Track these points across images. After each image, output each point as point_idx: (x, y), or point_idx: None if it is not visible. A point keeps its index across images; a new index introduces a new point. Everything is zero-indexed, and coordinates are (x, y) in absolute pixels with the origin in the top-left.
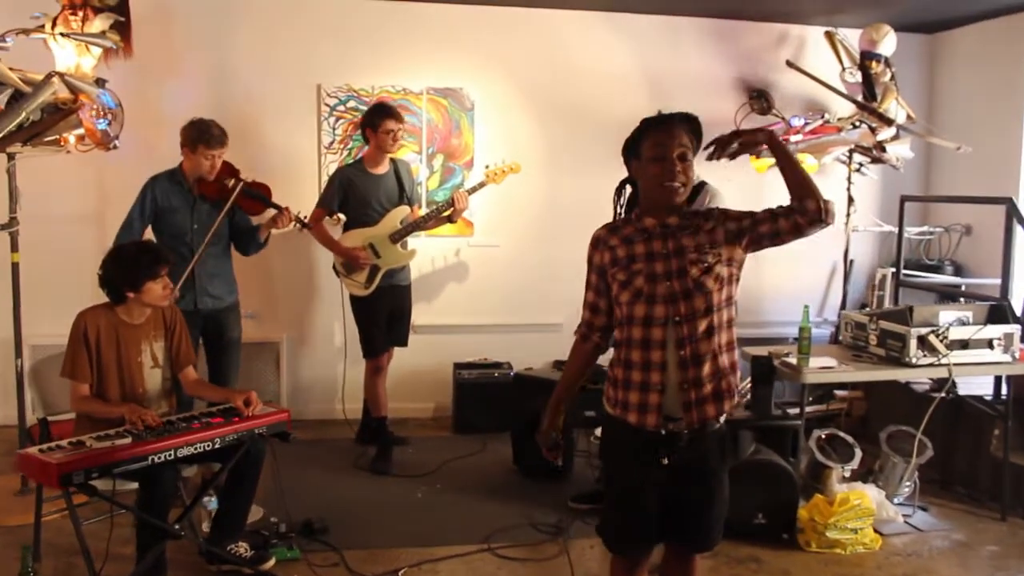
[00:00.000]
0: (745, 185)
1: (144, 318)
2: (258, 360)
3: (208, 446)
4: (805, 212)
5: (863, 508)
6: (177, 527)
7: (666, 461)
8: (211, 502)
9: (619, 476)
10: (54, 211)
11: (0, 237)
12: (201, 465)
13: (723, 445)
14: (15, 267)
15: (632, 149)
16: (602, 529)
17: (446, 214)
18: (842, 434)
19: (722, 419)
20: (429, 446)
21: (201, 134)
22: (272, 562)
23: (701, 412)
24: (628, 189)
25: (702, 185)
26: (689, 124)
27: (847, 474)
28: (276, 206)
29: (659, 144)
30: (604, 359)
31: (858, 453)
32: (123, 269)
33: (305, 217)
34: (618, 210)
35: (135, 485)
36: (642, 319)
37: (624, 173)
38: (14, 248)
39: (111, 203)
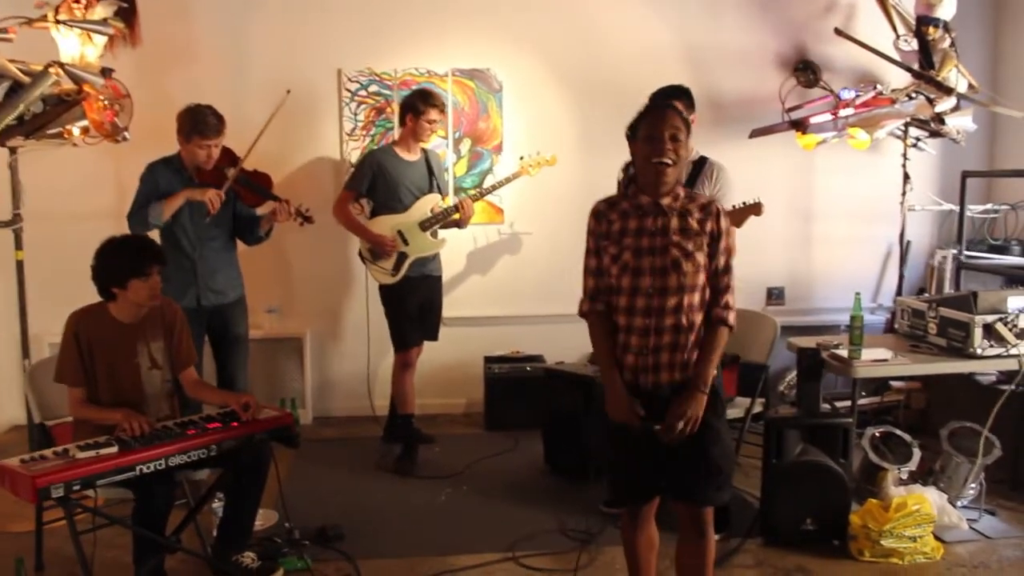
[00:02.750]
0: (794, 163)
1: (139, 318)
2: (280, 356)
3: (204, 453)
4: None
5: (922, 513)
6: (175, 538)
7: (642, 412)
8: (221, 508)
9: (613, 428)
10: (72, 207)
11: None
12: (213, 469)
13: (712, 395)
14: (20, 265)
15: (633, 132)
16: (608, 480)
17: (454, 218)
18: (899, 432)
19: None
20: (458, 444)
21: (196, 123)
22: (279, 573)
23: (656, 376)
24: (631, 169)
25: (703, 161)
26: (681, 104)
27: (904, 476)
28: (276, 198)
29: (652, 125)
30: None
31: (916, 453)
32: (109, 263)
33: (308, 211)
34: (621, 188)
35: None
36: (628, 289)
37: None
38: (18, 246)
39: (129, 197)
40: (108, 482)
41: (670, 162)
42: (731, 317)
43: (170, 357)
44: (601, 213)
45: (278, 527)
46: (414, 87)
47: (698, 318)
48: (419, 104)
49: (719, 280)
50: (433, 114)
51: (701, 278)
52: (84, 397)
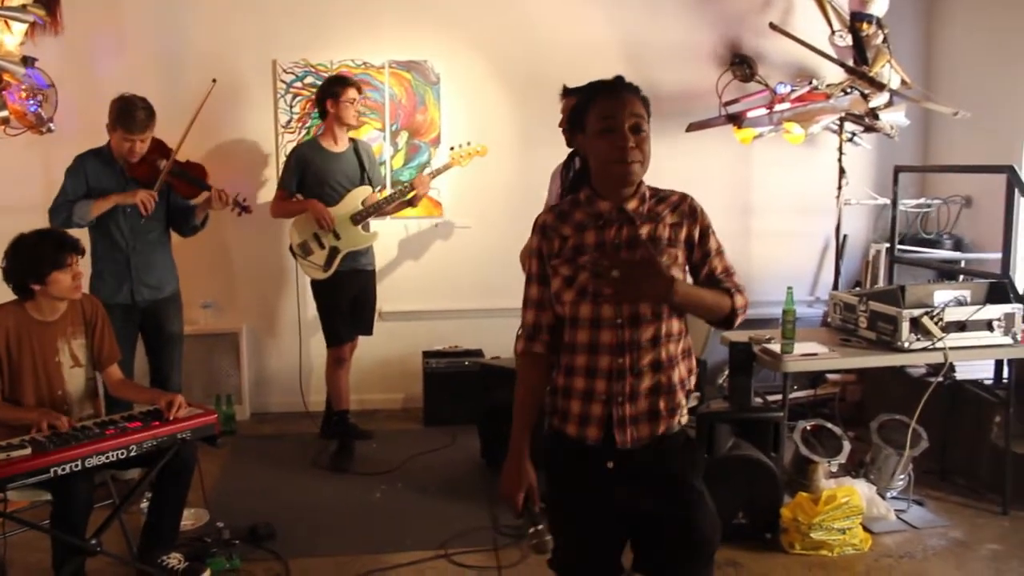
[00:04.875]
0: (732, 157)
1: (59, 314)
2: (216, 351)
3: (123, 454)
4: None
5: (851, 505)
6: (95, 540)
7: (611, 465)
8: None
9: (564, 499)
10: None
11: None
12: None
13: (689, 450)
14: None
15: (578, 121)
16: (555, 563)
17: (408, 197)
18: (829, 425)
19: (678, 426)
20: (396, 440)
21: (122, 116)
22: (207, 574)
23: (635, 430)
24: (577, 162)
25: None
26: (639, 93)
27: (835, 469)
28: (210, 187)
29: (608, 115)
30: None
31: (846, 446)
32: (25, 260)
33: (244, 200)
34: (560, 189)
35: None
36: (589, 321)
37: None
38: None
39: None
40: (20, 485)
41: (636, 163)
42: (739, 299)
43: (92, 354)
44: (549, 228)
45: (208, 526)
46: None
47: (676, 349)
48: (334, 87)
49: (708, 272)
50: (351, 92)
51: None
52: (1, 398)
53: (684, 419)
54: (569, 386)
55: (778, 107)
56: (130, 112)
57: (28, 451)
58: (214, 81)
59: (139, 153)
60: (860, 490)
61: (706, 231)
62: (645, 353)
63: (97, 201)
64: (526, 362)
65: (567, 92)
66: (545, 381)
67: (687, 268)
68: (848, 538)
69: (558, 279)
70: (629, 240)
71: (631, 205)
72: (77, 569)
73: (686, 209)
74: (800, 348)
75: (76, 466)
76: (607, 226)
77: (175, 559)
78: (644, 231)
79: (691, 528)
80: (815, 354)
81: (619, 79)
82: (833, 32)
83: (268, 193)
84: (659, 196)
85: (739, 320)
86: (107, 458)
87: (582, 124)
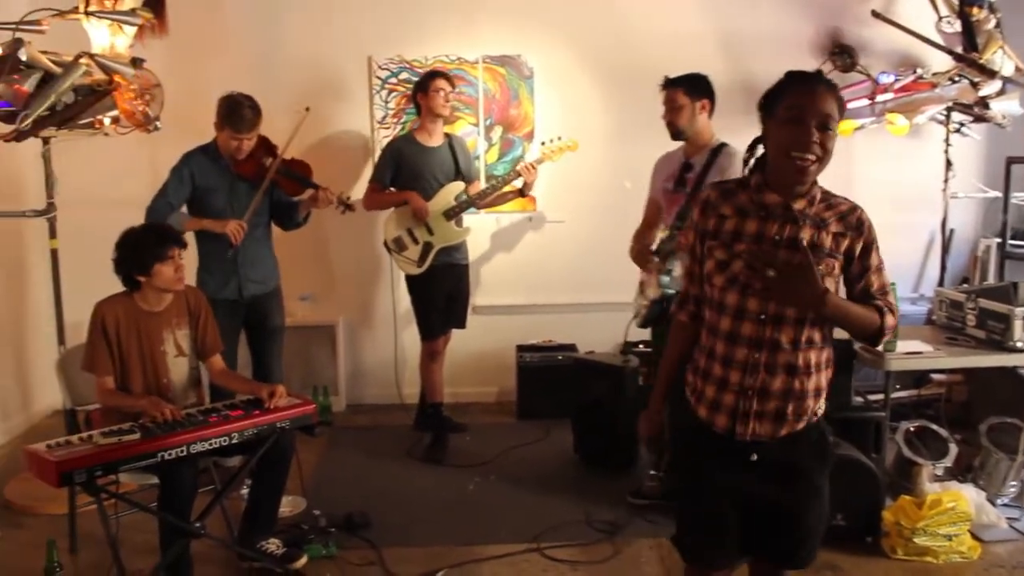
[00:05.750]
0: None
1: (164, 305)
2: (314, 343)
3: (225, 441)
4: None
5: (958, 511)
6: (199, 524)
7: (755, 457)
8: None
9: (690, 475)
10: (108, 195)
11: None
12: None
13: (821, 444)
14: (54, 253)
15: (768, 106)
16: (677, 536)
17: (513, 188)
18: (934, 427)
19: (819, 415)
20: (489, 433)
21: (230, 115)
22: (303, 560)
23: (759, 426)
24: (760, 149)
25: (722, 147)
26: (836, 91)
27: (940, 472)
28: (316, 186)
29: (797, 105)
30: None
31: (953, 448)
32: (130, 252)
33: (348, 198)
34: (745, 172)
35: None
36: (734, 310)
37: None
38: (52, 235)
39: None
40: (130, 468)
41: (815, 158)
42: (889, 319)
43: (195, 344)
44: (710, 204)
45: (306, 514)
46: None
47: (818, 358)
48: (424, 80)
49: (863, 290)
50: (439, 82)
51: None
52: (112, 385)
53: (819, 414)
54: (708, 370)
55: (880, 97)
56: (238, 111)
57: (137, 436)
58: (307, 109)
59: (246, 151)
60: (968, 495)
61: (870, 246)
62: (783, 354)
63: (191, 220)
64: (675, 326)
65: (669, 83)
66: (687, 348)
67: (842, 279)
68: (955, 545)
69: (712, 261)
70: (790, 240)
71: (799, 204)
72: (182, 550)
73: (853, 221)
74: (903, 346)
75: (182, 451)
76: (769, 219)
77: (273, 544)
78: (806, 235)
79: (801, 520)
80: (919, 352)
81: (818, 73)
82: (940, 18)
83: (363, 189)
84: (829, 202)
85: (885, 339)
86: (210, 444)
87: (772, 110)
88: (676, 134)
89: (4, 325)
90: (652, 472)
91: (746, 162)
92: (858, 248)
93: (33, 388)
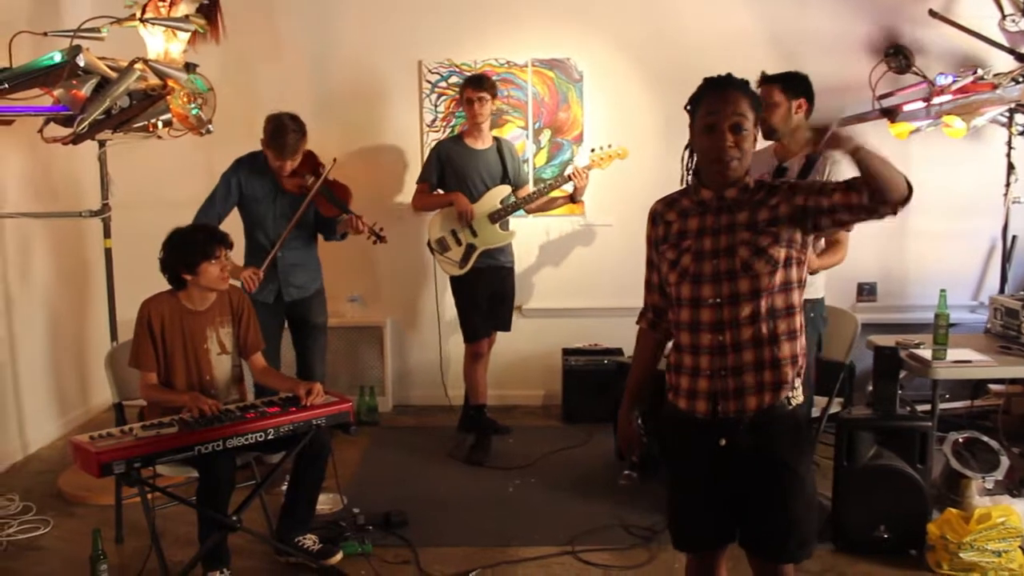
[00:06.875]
0: (886, 153)
1: (208, 304)
2: (361, 344)
3: (261, 436)
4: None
5: (1008, 527)
6: (236, 517)
7: (723, 442)
8: None
9: (674, 465)
10: (163, 196)
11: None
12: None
13: (797, 433)
14: (108, 252)
15: (691, 113)
16: (668, 523)
17: (563, 194)
18: (985, 438)
19: (794, 402)
20: (533, 436)
21: (273, 139)
22: (338, 557)
23: (740, 402)
24: (693, 156)
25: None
26: (747, 90)
27: (990, 485)
28: (351, 212)
29: (711, 112)
30: None
31: (1004, 461)
32: (177, 251)
33: (381, 229)
34: (686, 175)
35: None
36: (689, 300)
37: None
38: (107, 234)
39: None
40: (167, 460)
41: (733, 160)
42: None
43: (237, 342)
44: (657, 215)
45: (345, 511)
46: None
47: (784, 325)
48: (461, 88)
49: (836, 183)
50: (468, 92)
51: (780, 277)
52: (155, 381)
53: (797, 400)
54: (679, 362)
55: (937, 99)
56: (282, 138)
57: (175, 429)
58: (335, 160)
59: (289, 171)
60: (1020, 510)
61: (800, 184)
62: (745, 330)
63: None
64: (638, 335)
65: (765, 79)
66: (651, 355)
67: (801, 249)
68: (1004, 562)
69: (665, 263)
70: (727, 225)
71: (730, 193)
72: (220, 543)
73: (783, 188)
74: (953, 354)
75: (218, 446)
76: (707, 213)
77: (310, 540)
78: (742, 217)
79: (784, 510)
80: (968, 361)
81: (727, 77)
82: (1004, 17)
83: (411, 192)
84: (768, 187)
85: (907, 201)
86: (246, 440)
87: (692, 118)
88: (768, 132)
89: (65, 321)
90: (624, 472)
91: (684, 168)
92: (795, 192)
93: (91, 383)
